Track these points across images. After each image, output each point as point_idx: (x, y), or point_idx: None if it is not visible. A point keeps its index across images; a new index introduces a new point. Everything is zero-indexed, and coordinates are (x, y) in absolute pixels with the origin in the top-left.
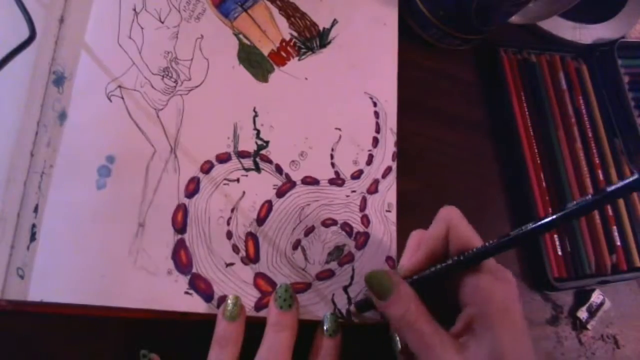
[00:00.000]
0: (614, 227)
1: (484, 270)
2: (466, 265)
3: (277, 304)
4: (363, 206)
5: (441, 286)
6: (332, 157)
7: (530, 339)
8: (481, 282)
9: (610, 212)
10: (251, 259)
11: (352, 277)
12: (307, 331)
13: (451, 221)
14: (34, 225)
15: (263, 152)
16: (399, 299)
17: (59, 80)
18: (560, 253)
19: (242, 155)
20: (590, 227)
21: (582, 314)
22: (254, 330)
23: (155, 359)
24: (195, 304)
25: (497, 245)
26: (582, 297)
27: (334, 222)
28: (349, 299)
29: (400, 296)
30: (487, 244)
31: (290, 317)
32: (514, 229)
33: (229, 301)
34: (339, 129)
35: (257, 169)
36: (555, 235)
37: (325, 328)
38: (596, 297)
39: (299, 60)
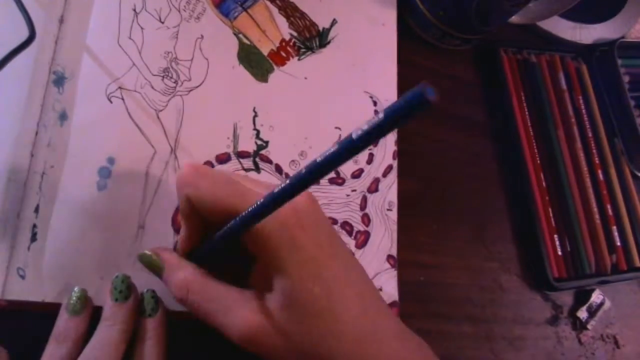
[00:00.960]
0: (614, 227)
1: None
2: (232, 236)
3: (112, 295)
4: (363, 205)
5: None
6: None
7: (338, 260)
8: (258, 227)
9: (610, 211)
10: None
11: None
12: None
13: (185, 189)
14: (34, 226)
15: (263, 152)
16: (171, 271)
17: (59, 80)
18: (560, 253)
19: (241, 155)
20: (590, 227)
21: (582, 314)
22: None
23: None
24: None
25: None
26: (582, 297)
27: (334, 221)
28: None
29: (170, 264)
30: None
31: (125, 310)
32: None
33: (73, 293)
34: (339, 129)
35: (257, 169)
36: (556, 235)
37: (143, 308)
38: (596, 297)
39: (299, 60)
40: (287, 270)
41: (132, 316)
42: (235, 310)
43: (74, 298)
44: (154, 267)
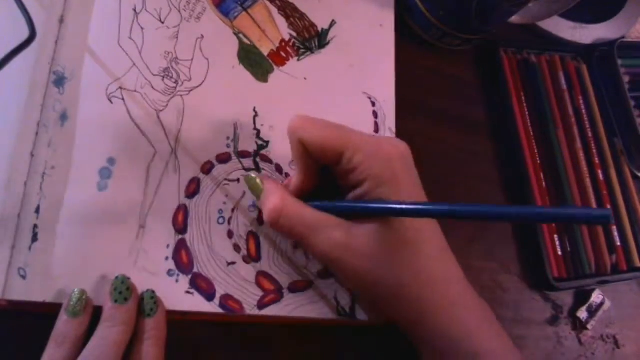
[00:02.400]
0: (614, 227)
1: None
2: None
3: (112, 297)
4: None
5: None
6: None
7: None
8: (362, 160)
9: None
10: (253, 257)
11: None
12: (308, 331)
13: (297, 134)
14: (35, 226)
15: (263, 152)
16: (269, 193)
17: (59, 80)
18: (560, 253)
19: (242, 155)
20: (590, 227)
21: (582, 314)
22: (256, 331)
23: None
24: (197, 304)
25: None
26: (582, 297)
27: None
28: (351, 296)
29: (269, 189)
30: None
31: (124, 311)
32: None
33: (73, 295)
34: None
35: (258, 168)
36: (555, 235)
37: (142, 308)
38: (596, 297)
39: (298, 60)
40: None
41: (132, 317)
42: (327, 231)
43: (74, 300)
44: (255, 188)
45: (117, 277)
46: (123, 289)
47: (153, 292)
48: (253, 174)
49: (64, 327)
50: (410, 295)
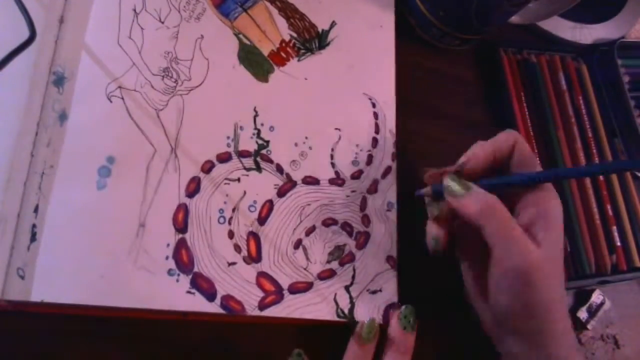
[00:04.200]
0: (614, 227)
1: (540, 187)
2: (533, 182)
3: (400, 323)
4: (363, 206)
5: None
6: (332, 157)
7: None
8: (544, 192)
9: (610, 212)
10: (253, 258)
11: (353, 277)
12: (308, 331)
13: (518, 138)
14: (34, 226)
15: (263, 151)
16: (476, 195)
17: (59, 80)
18: None
19: (242, 154)
20: (590, 227)
21: (582, 314)
22: (255, 331)
23: None
24: (198, 304)
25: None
26: (582, 297)
27: (335, 222)
28: (350, 298)
29: (477, 192)
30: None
31: (410, 341)
32: None
33: (365, 325)
34: (339, 129)
35: (258, 168)
36: None
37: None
38: (596, 297)
39: (299, 60)
40: (554, 228)
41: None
42: (523, 241)
43: (367, 329)
44: (460, 188)
45: (407, 307)
46: (413, 318)
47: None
48: (450, 175)
49: (355, 351)
50: (555, 338)
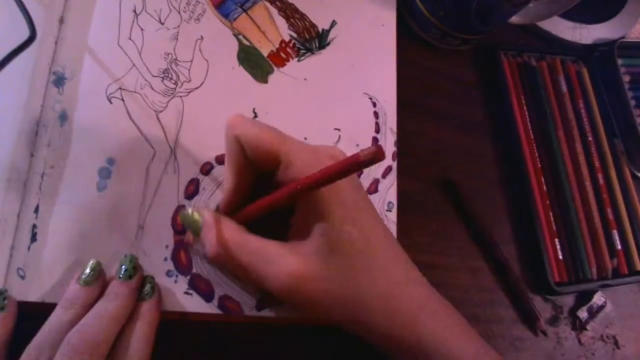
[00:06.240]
0: (615, 231)
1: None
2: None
3: (117, 273)
4: None
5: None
6: None
7: (372, 210)
8: (300, 166)
9: (611, 215)
10: None
11: None
12: (307, 331)
13: (235, 130)
14: (34, 226)
15: None
16: (209, 227)
17: (59, 80)
18: (561, 257)
19: None
20: (591, 231)
21: (582, 314)
22: (256, 331)
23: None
24: (196, 304)
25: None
26: (583, 298)
27: None
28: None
29: (209, 224)
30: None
31: (126, 288)
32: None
33: (88, 265)
34: (338, 130)
35: None
36: (556, 240)
37: (140, 293)
38: (597, 299)
39: (298, 61)
40: (328, 214)
41: (133, 296)
42: (277, 261)
43: (88, 269)
44: (193, 224)
45: (125, 255)
46: (129, 267)
47: (152, 278)
48: (189, 210)
49: (74, 293)
50: (372, 309)
